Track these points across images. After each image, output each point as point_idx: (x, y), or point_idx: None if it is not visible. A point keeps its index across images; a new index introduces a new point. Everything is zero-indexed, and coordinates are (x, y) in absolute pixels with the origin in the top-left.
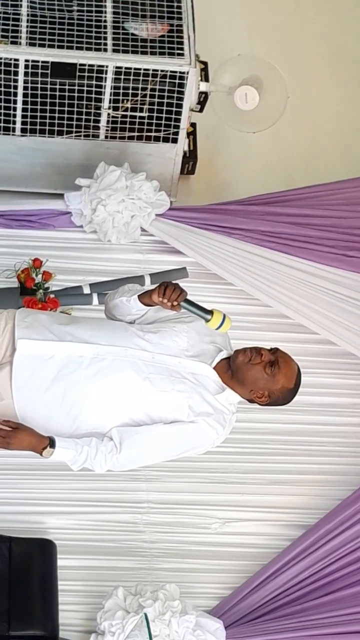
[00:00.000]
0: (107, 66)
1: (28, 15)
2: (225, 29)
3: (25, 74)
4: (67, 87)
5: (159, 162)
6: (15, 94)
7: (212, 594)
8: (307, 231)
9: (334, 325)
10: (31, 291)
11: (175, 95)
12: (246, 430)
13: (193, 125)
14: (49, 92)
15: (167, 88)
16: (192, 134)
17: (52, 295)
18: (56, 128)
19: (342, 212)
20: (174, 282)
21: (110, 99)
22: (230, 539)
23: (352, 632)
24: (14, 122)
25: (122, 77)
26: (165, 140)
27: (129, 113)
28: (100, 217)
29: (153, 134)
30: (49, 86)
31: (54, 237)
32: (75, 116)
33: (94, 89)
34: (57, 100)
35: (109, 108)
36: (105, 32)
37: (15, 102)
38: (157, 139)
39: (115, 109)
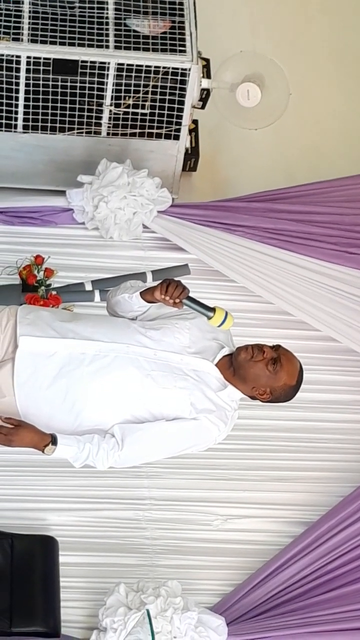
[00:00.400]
0: (109, 63)
1: (30, 12)
2: (228, 26)
3: (27, 70)
4: (69, 83)
5: (161, 159)
6: (17, 91)
7: (214, 591)
8: (309, 228)
9: (336, 322)
10: (33, 288)
11: (177, 92)
12: (248, 427)
13: (195, 122)
14: (50, 89)
15: (169, 85)
16: (194, 131)
17: (54, 292)
18: (58, 125)
19: (344, 209)
20: (176, 279)
21: (112, 96)
22: (232, 535)
23: (354, 628)
24: (16, 119)
25: (124, 73)
26: (167, 137)
27: (130, 110)
28: (102, 214)
29: (155, 130)
30: (50, 83)
31: (56, 234)
32: (77, 113)
33: (95, 85)
34: (58, 97)
35: (111, 105)
36: (107, 29)
37: (17, 98)
38: (159, 135)
39: (117, 105)
